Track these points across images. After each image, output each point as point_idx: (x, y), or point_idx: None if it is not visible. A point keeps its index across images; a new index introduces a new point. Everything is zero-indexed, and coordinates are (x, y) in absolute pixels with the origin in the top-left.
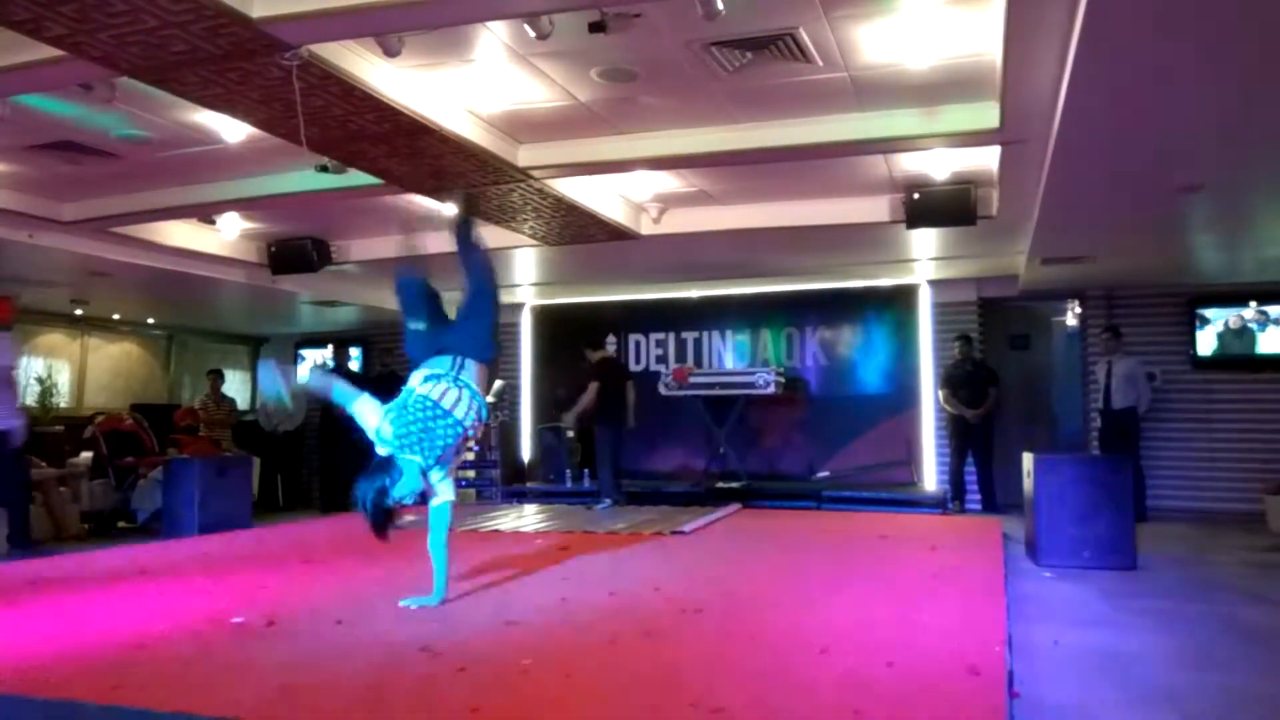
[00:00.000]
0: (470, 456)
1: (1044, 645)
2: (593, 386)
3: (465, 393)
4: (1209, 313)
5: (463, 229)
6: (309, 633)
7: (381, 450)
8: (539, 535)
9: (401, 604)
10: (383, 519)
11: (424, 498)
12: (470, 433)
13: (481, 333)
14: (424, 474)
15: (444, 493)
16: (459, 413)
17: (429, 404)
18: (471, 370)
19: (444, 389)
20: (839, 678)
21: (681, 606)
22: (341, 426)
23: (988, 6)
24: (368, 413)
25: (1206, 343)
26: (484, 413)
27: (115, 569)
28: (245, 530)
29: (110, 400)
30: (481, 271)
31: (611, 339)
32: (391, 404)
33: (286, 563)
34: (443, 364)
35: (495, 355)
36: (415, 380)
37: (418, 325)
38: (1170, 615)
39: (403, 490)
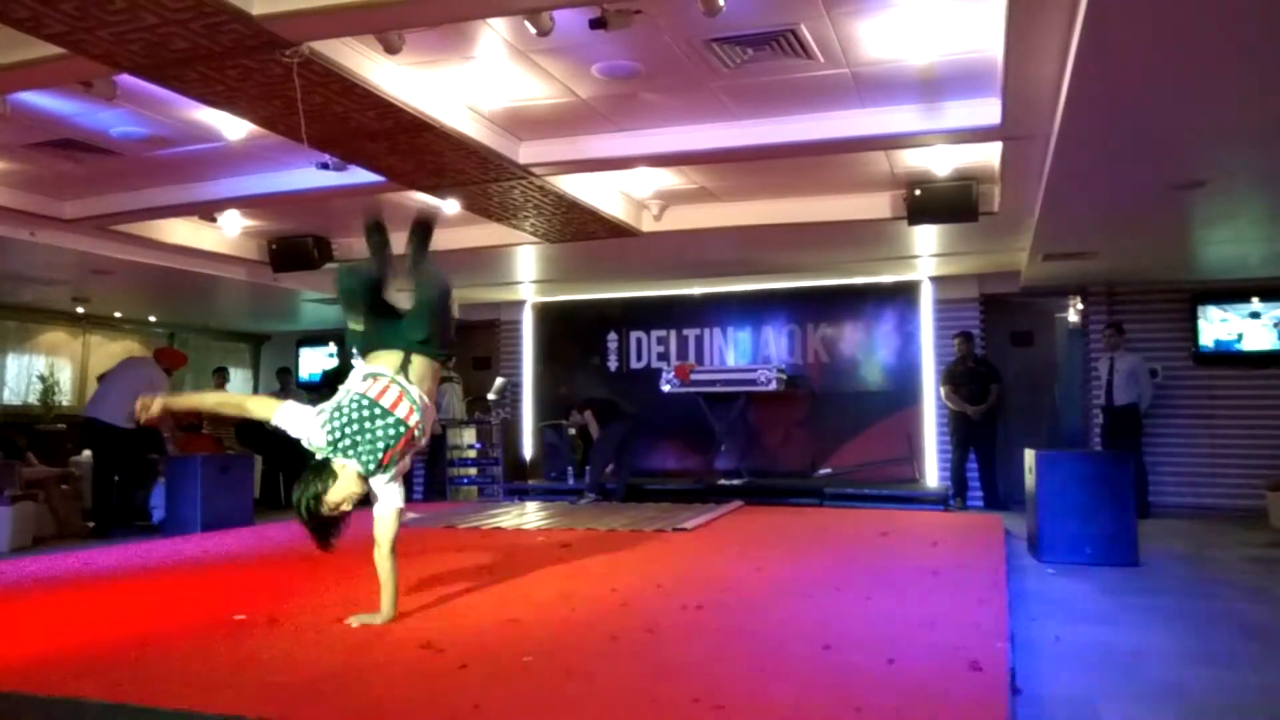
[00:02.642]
0: (473, 454)
1: (1046, 641)
2: (588, 415)
3: (406, 396)
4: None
5: (419, 254)
6: (311, 630)
7: (319, 454)
8: (540, 532)
9: (351, 623)
10: (322, 527)
11: (368, 503)
12: (416, 433)
13: (431, 324)
14: (364, 479)
15: (389, 499)
16: (400, 412)
17: (367, 403)
18: (420, 368)
19: (384, 386)
20: (840, 674)
21: (683, 603)
22: None
23: (989, 1)
24: (294, 419)
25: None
26: (427, 416)
27: (117, 566)
28: (247, 528)
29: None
30: (431, 293)
31: (613, 336)
32: (325, 405)
33: (288, 560)
34: (388, 360)
35: (448, 350)
36: (354, 379)
37: (355, 326)
38: (1172, 611)
39: (340, 496)
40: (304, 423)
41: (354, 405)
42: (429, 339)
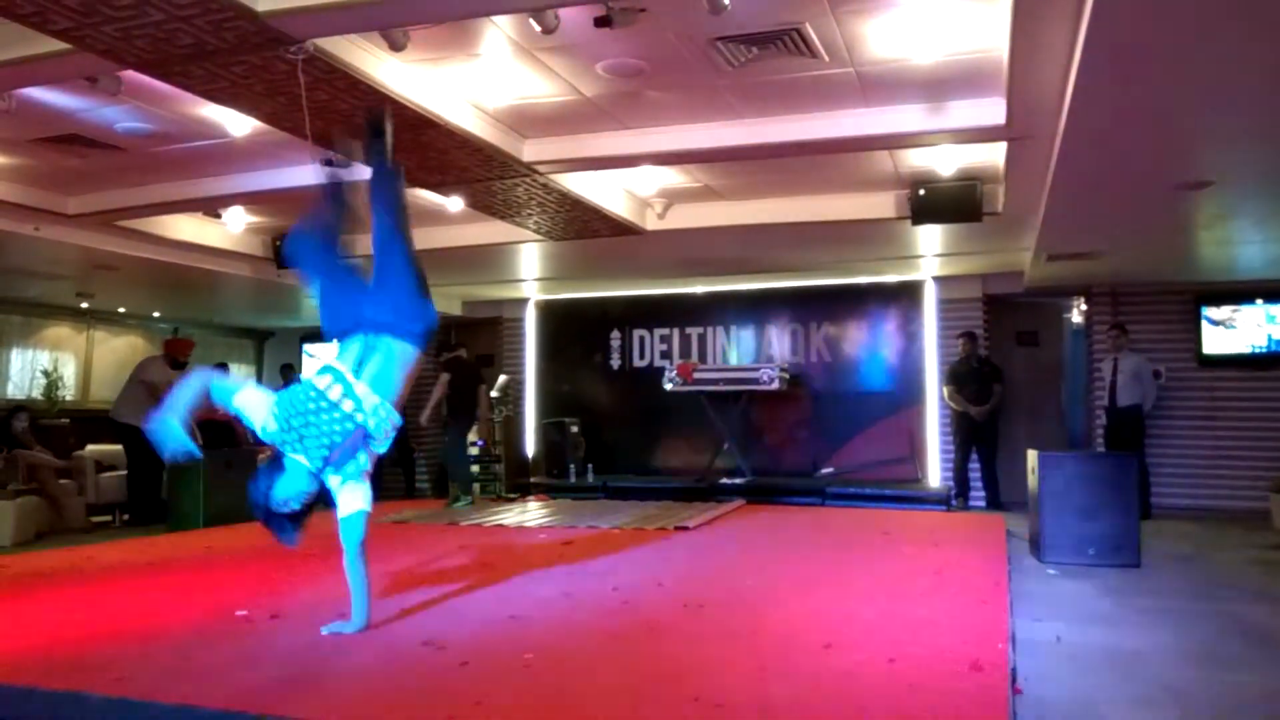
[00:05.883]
0: (475, 452)
1: (1047, 642)
2: (443, 379)
3: (350, 394)
4: None
5: (376, 146)
6: (313, 626)
7: (277, 445)
8: (542, 530)
9: (324, 631)
10: (274, 524)
11: (327, 502)
12: (371, 430)
13: (400, 299)
14: (314, 476)
15: (350, 501)
16: (347, 407)
17: (315, 394)
18: (390, 353)
19: (328, 381)
20: (841, 673)
21: (684, 602)
22: None
23: (994, 1)
24: (252, 405)
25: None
26: (381, 416)
27: (120, 562)
28: (250, 523)
29: (115, 394)
30: (390, 207)
31: (616, 335)
32: (281, 393)
33: (291, 556)
34: (348, 351)
35: (425, 329)
36: (310, 369)
37: (314, 293)
38: (1174, 613)
39: (286, 493)
40: (260, 409)
41: (304, 396)
42: (394, 320)
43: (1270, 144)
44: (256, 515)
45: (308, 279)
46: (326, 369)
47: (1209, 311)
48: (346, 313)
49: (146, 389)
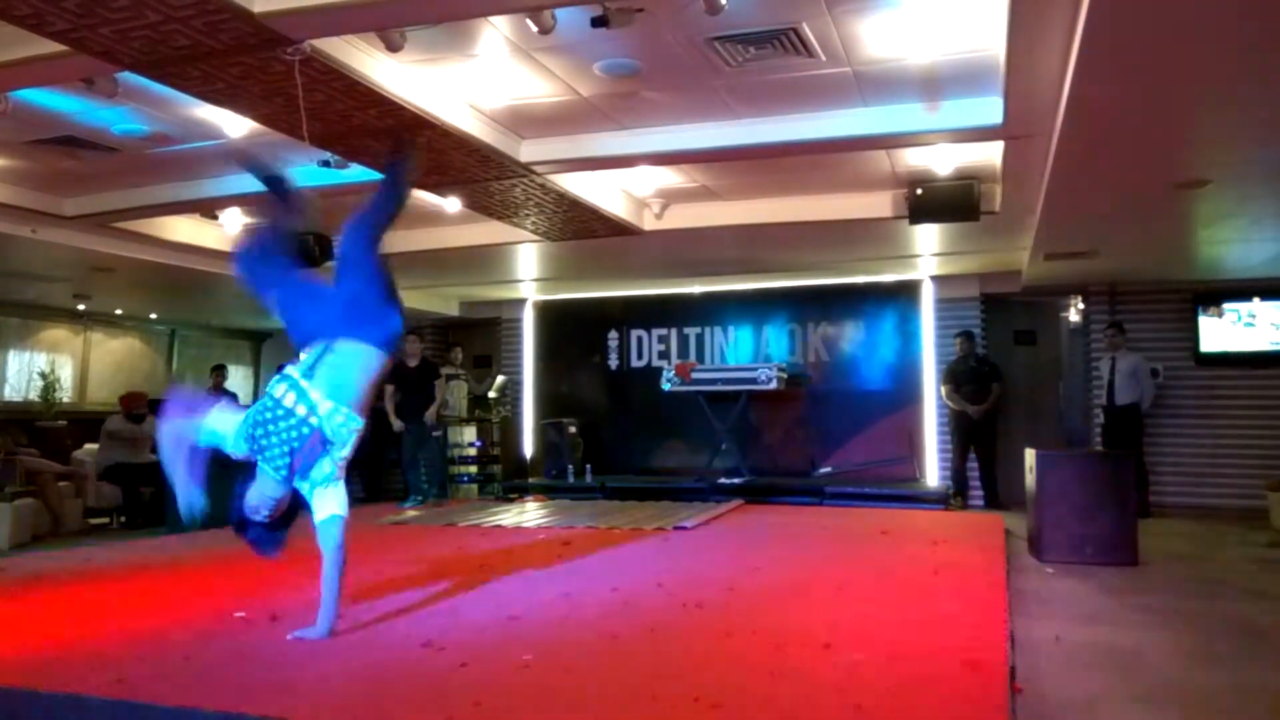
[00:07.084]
0: (473, 452)
1: (1046, 641)
2: (442, 378)
3: (303, 398)
4: None
5: (399, 166)
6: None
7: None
8: (541, 530)
9: (289, 637)
10: (250, 534)
11: (297, 510)
12: (328, 435)
13: (366, 302)
14: (281, 484)
15: (323, 506)
16: (301, 412)
17: (271, 404)
18: (347, 356)
19: (284, 389)
20: (840, 673)
21: (683, 601)
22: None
23: (992, 0)
24: (221, 422)
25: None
26: (338, 421)
27: (119, 564)
28: None
29: (113, 396)
30: (383, 220)
31: (614, 335)
32: (247, 411)
33: (289, 558)
34: (303, 356)
35: (390, 334)
36: (272, 380)
37: (273, 306)
38: (1172, 611)
39: (257, 499)
40: (228, 424)
41: (263, 406)
42: (357, 323)
43: (1269, 142)
44: (232, 528)
45: (262, 295)
46: (283, 378)
47: (1231, 306)
48: (308, 320)
49: (108, 437)
